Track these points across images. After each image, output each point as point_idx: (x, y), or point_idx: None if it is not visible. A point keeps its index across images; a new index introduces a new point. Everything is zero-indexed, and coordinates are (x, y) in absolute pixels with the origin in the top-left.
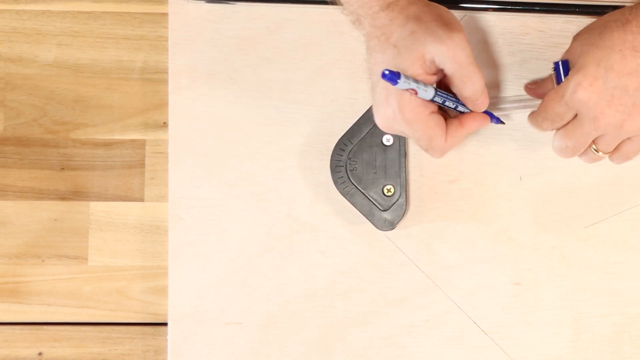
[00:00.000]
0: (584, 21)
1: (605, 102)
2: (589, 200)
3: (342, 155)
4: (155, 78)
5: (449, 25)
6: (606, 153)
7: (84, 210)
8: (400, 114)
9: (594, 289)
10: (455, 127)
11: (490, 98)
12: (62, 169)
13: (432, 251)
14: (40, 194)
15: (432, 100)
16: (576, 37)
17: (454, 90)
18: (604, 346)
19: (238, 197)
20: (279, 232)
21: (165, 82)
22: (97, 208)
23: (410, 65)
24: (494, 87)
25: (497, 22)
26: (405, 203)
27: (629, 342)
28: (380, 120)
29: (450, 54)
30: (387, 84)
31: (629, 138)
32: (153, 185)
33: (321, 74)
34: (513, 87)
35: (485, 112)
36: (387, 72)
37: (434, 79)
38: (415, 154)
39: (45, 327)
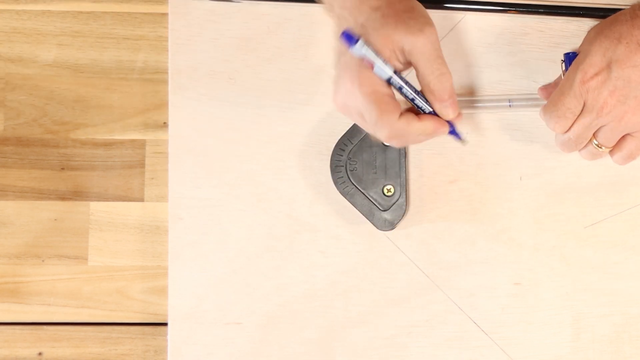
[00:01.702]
0: (584, 21)
1: (608, 91)
2: (589, 200)
3: (342, 155)
4: (155, 78)
5: (420, 19)
6: (607, 147)
7: (84, 210)
8: (359, 87)
9: (594, 289)
10: (411, 117)
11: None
12: (62, 169)
13: (432, 251)
14: (40, 194)
15: (389, 82)
16: (589, 32)
17: (422, 86)
18: (604, 346)
19: (238, 197)
20: (279, 232)
21: (165, 82)
22: (97, 208)
23: (378, 47)
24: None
25: (497, 22)
26: (405, 203)
27: (629, 342)
28: (337, 97)
29: (419, 45)
30: (348, 61)
31: (630, 134)
32: (153, 185)
33: (321, 74)
34: (513, 87)
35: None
36: (345, 33)
37: (400, 66)
38: (416, 154)
39: (45, 327)
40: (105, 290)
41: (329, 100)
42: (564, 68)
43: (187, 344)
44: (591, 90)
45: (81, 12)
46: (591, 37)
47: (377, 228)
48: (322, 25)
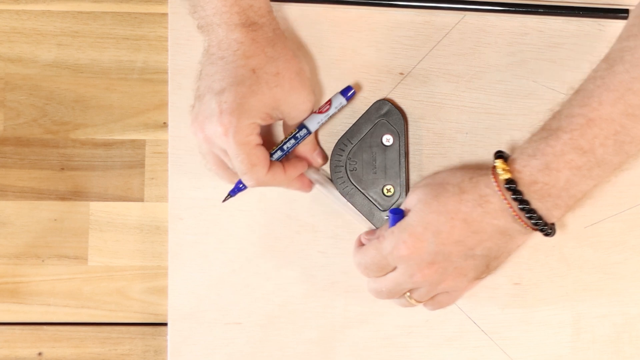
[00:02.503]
0: (583, 21)
1: (425, 263)
2: (589, 200)
3: (342, 156)
4: (155, 78)
5: (308, 88)
6: (420, 302)
7: (84, 210)
8: (234, 135)
9: (594, 289)
10: (278, 170)
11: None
12: (62, 169)
13: None
14: (40, 194)
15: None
16: (416, 187)
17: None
18: (604, 346)
19: (238, 197)
20: (279, 232)
21: (165, 82)
22: (97, 208)
23: (259, 101)
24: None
25: (496, 22)
26: None
27: (629, 342)
28: (204, 131)
29: (304, 114)
30: (238, 104)
31: (445, 292)
32: (153, 185)
33: (321, 74)
34: (512, 86)
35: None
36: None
37: (265, 123)
38: (416, 154)
39: (45, 327)
40: (105, 290)
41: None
42: (389, 223)
43: (187, 344)
44: (405, 259)
45: (81, 12)
46: (415, 205)
47: (377, 228)
48: (322, 26)
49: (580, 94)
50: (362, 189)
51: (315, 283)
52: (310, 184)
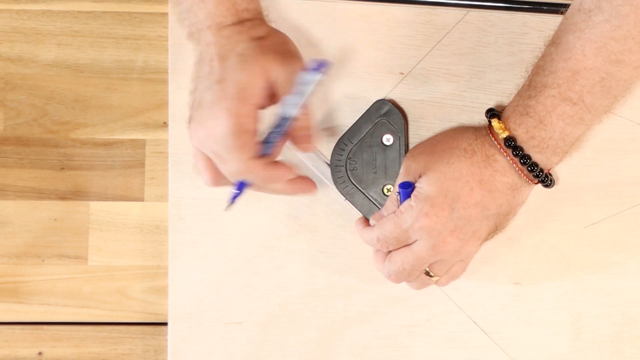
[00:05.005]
0: None
1: (448, 231)
2: (589, 200)
3: (342, 155)
4: (155, 78)
5: (295, 54)
6: (439, 276)
7: (84, 210)
8: (229, 117)
9: (594, 289)
10: (262, 164)
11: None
12: (62, 168)
13: None
14: (40, 194)
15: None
16: (414, 157)
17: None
18: (604, 346)
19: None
20: (279, 231)
21: (165, 82)
22: (97, 208)
23: (253, 76)
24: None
25: (497, 22)
26: None
27: (629, 342)
28: (199, 131)
29: (293, 78)
30: (232, 106)
31: (460, 260)
32: (153, 185)
33: None
34: (513, 86)
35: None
36: (318, 63)
37: (266, 104)
38: None
39: (45, 327)
40: (105, 290)
41: (328, 100)
42: (399, 198)
43: (187, 344)
44: (429, 230)
45: (81, 12)
46: (427, 175)
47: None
48: (322, 25)
49: (561, 47)
50: (363, 188)
51: (315, 283)
52: (294, 190)
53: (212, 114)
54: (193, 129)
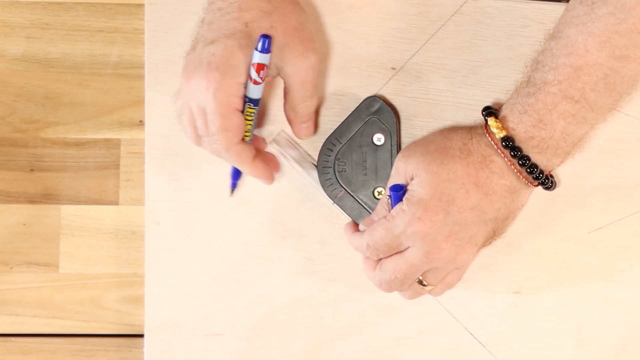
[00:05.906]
0: None
1: (442, 237)
2: (593, 203)
3: (329, 156)
4: (130, 73)
5: (306, 43)
6: (433, 285)
7: (55, 214)
8: (215, 92)
9: (598, 298)
10: (248, 150)
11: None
12: (32, 170)
13: None
14: (8, 197)
15: (249, 100)
16: (407, 158)
17: (287, 103)
18: (608, 359)
19: (219, 200)
20: (263, 237)
21: (141, 77)
22: (68, 212)
23: (249, 60)
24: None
25: (494, 14)
26: None
27: (635, 354)
28: (189, 81)
29: (298, 70)
30: (217, 60)
31: (456, 268)
32: (128, 187)
33: None
34: (512, 82)
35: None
36: (264, 38)
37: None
38: None
39: (13, 338)
40: (78, 300)
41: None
42: (390, 202)
43: (164, 357)
44: (422, 235)
45: (51, 3)
46: (420, 177)
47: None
48: (309, 16)
49: (562, 41)
50: (352, 191)
51: (302, 291)
52: (270, 177)
53: (197, 74)
54: (181, 80)
